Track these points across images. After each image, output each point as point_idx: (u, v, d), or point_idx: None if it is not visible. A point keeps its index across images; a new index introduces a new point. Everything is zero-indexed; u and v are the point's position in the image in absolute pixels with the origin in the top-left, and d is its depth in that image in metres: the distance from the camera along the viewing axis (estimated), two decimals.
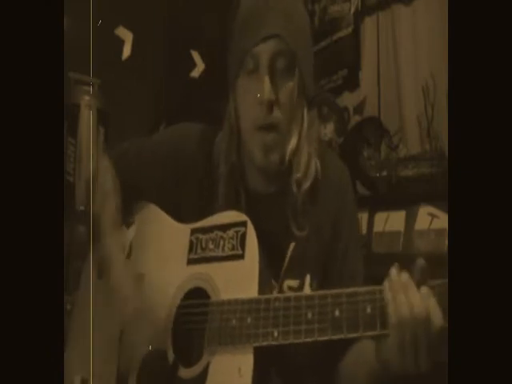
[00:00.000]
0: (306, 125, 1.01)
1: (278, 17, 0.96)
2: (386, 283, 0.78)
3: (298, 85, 0.97)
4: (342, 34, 2.74)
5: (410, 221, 1.93)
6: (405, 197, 2.01)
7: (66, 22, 0.83)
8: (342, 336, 0.79)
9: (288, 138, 0.98)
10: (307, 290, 0.98)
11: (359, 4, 2.66)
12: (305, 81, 0.99)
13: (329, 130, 2.46)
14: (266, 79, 0.94)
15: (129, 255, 1.10)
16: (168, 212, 1.07)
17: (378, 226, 2.04)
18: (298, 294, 0.86)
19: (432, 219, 1.85)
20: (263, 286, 0.89)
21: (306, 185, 1.00)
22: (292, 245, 0.98)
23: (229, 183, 1.02)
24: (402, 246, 1.94)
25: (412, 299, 0.75)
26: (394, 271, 0.79)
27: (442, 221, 1.81)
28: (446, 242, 1.74)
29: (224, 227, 0.96)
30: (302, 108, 1.00)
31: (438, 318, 0.74)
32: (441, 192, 1.58)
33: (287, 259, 0.98)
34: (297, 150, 1.00)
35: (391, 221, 2.01)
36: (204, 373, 0.89)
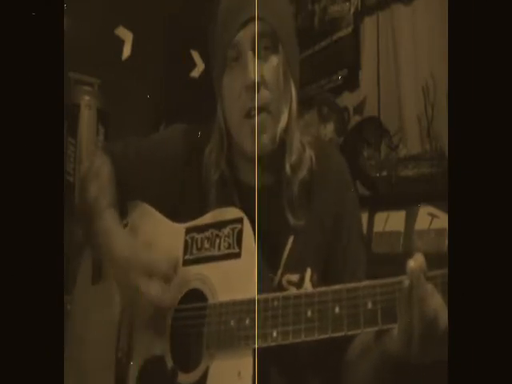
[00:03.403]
0: (294, 105, 0.99)
1: (255, 0, 0.94)
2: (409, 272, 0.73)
3: (283, 62, 0.96)
4: (341, 33, 2.74)
5: (410, 221, 1.93)
6: (405, 197, 2.01)
7: (65, 21, 0.83)
8: (342, 333, 0.77)
9: (278, 116, 0.96)
10: (307, 284, 0.97)
11: (359, 4, 2.66)
12: (289, 59, 0.97)
13: (329, 130, 2.46)
14: (250, 61, 0.93)
15: None
16: (162, 212, 1.06)
17: (378, 226, 2.04)
18: (297, 292, 0.84)
19: (432, 219, 1.85)
20: (261, 285, 0.87)
21: (302, 174, 0.99)
22: (291, 238, 0.97)
23: (219, 192, 1.00)
24: (402, 246, 1.94)
25: (425, 295, 0.72)
26: (412, 263, 0.73)
27: (442, 221, 1.81)
28: (446, 242, 1.74)
29: (219, 225, 0.94)
30: (290, 87, 0.98)
31: (443, 314, 0.71)
32: (441, 192, 1.57)
33: (286, 252, 0.97)
34: (288, 130, 0.98)
35: (391, 221, 2.01)
36: (203, 378, 0.87)
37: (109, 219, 1.02)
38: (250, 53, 0.93)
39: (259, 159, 0.99)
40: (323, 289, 0.81)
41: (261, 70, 0.93)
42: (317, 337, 0.79)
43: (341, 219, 1.02)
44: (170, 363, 0.93)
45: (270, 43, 0.95)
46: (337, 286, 0.80)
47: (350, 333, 0.77)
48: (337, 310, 0.78)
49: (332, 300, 0.79)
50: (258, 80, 0.92)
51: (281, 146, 0.99)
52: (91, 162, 1.13)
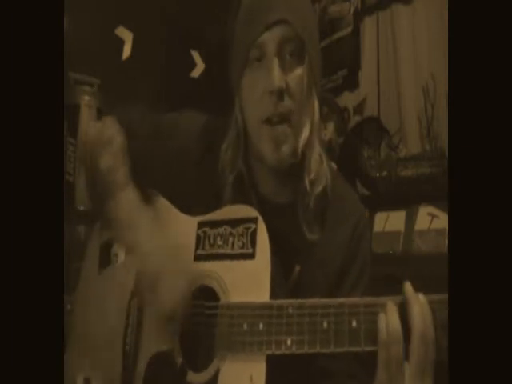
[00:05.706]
0: (316, 117, 0.95)
1: (283, 2, 0.91)
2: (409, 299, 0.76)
3: (308, 72, 0.92)
4: (341, 33, 2.74)
5: (410, 221, 1.93)
6: (405, 197, 2.01)
7: (66, 21, 0.83)
8: (359, 349, 0.76)
9: (299, 128, 0.92)
10: None
11: (359, 4, 2.66)
12: (314, 70, 0.94)
13: (329, 130, 2.46)
14: (275, 65, 0.89)
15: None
16: (174, 202, 1.03)
17: (378, 226, 2.04)
18: (313, 300, 0.81)
19: (432, 219, 1.85)
20: (275, 289, 0.85)
21: (318, 189, 0.96)
22: (297, 268, 0.94)
23: (235, 192, 0.97)
24: (402, 246, 1.94)
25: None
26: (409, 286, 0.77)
27: (442, 221, 1.81)
28: (446, 242, 1.74)
29: (233, 222, 0.92)
30: (313, 98, 0.95)
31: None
32: (441, 192, 1.58)
33: (292, 282, 0.94)
34: (309, 144, 0.94)
35: (391, 221, 2.01)
36: (214, 379, 0.85)
37: (130, 197, 0.99)
38: (274, 57, 0.89)
39: (278, 172, 0.97)
40: (340, 300, 0.80)
41: (285, 77, 0.90)
42: (333, 349, 0.77)
43: (354, 236, 0.99)
44: (178, 359, 0.91)
45: (295, 49, 0.91)
46: (354, 299, 0.79)
47: (366, 349, 0.76)
48: (354, 324, 0.77)
49: (349, 313, 0.78)
50: (283, 87, 0.89)
51: (300, 160, 0.95)
52: (100, 128, 1.07)
